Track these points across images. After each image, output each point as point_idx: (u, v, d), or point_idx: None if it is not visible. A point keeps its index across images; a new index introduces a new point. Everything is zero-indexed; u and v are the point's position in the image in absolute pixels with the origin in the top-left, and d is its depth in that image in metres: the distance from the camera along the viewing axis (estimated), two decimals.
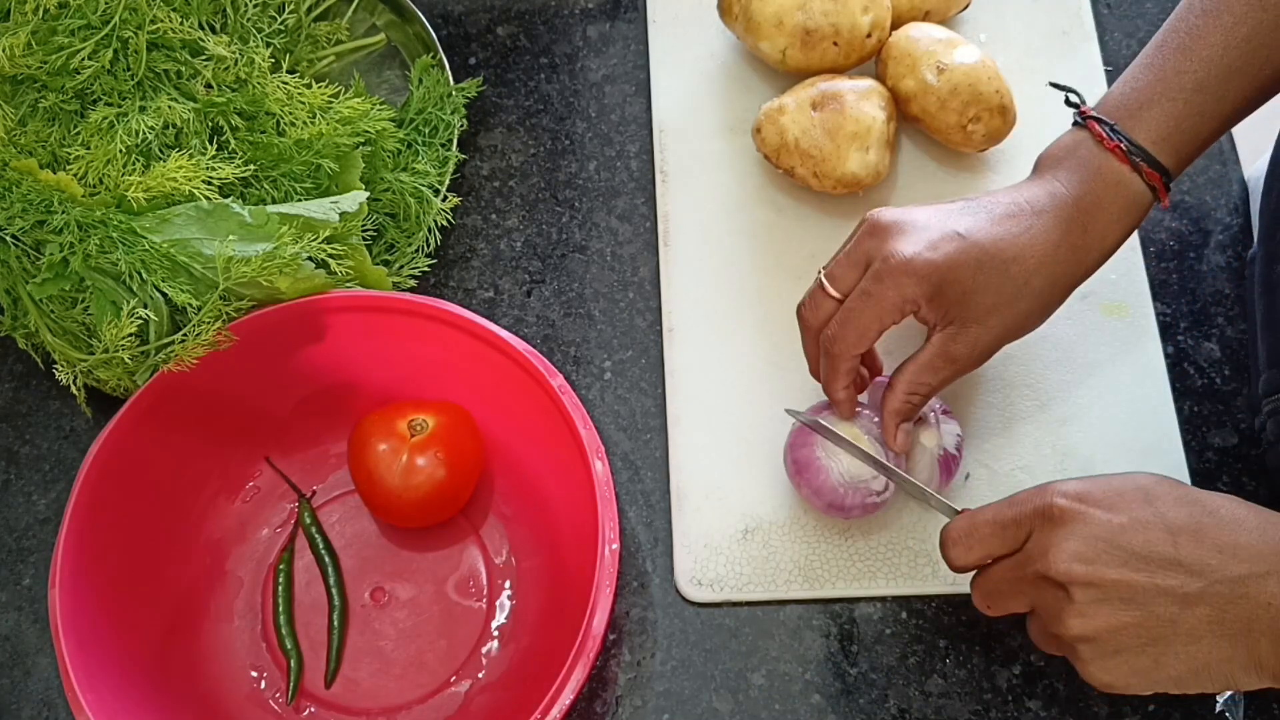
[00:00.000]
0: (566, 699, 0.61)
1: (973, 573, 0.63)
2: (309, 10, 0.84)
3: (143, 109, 0.71)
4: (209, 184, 0.69)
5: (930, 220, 0.65)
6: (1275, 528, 0.56)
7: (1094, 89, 0.87)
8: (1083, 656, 0.58)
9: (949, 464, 0.73)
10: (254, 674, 0.72)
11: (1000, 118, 0.80)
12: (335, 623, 0.73)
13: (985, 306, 0.65)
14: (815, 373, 0.71)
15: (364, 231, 0.76)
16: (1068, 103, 0.69)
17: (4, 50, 0.68)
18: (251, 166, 0.73)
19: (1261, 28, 0.63)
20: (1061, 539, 0.57)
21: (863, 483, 0.70)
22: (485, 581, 0.74)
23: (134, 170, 0.70)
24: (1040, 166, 0.68)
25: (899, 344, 0.76)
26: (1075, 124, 0.68)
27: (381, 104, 0.79)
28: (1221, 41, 0.64)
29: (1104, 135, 0.65)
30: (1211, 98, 0.64)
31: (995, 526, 0.60)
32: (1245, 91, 0.65)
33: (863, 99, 0.79)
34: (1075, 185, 0.65)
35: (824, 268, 0.68)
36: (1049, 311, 0.68)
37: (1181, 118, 0.65)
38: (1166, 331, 0.81)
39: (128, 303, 0.67)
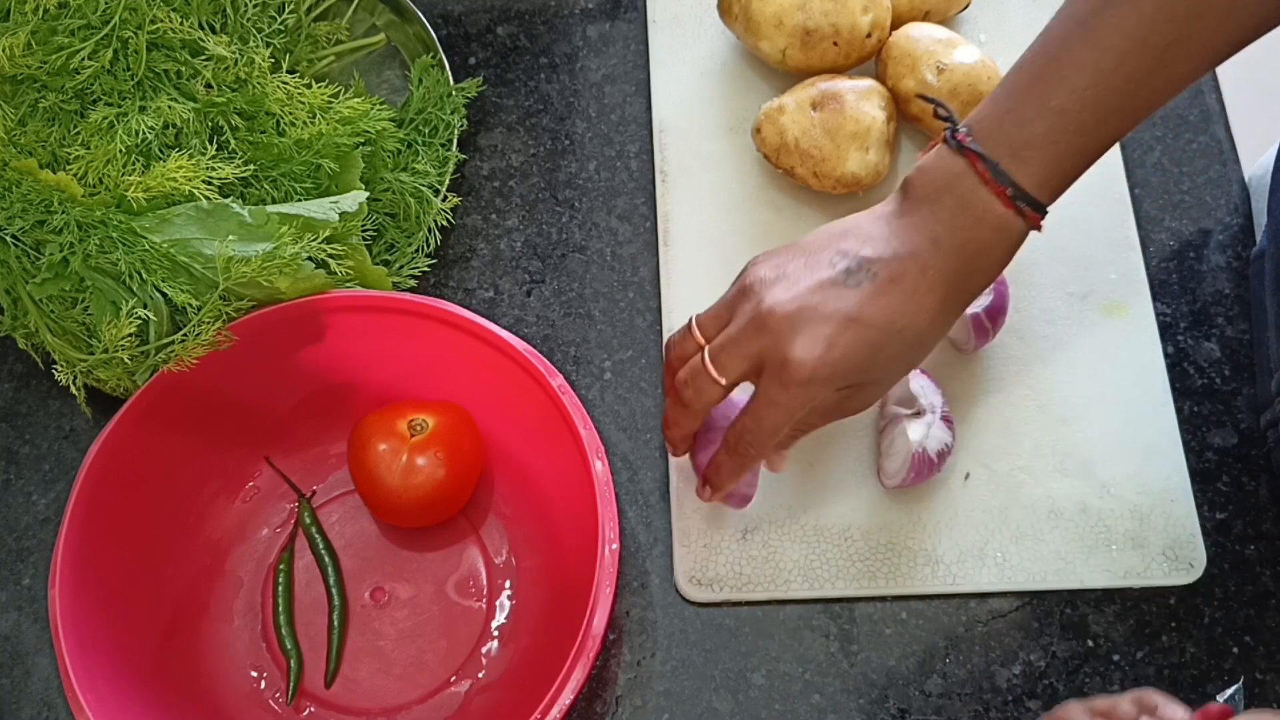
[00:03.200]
0: (566, 699, 0.61)
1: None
2: (309, 10, 0.84)
3: (143, 109, 0.71)
4: (209, 184, 0.69)
5: (819, 304, 0.63)
6: None
7: None
8: None
9: (923, 466, 0.72)
10: (254, 674, 0.72)
11: None
12: (335, 623, 0.73)
13: (881, 371, 0.65)
14: (677, 444, 0.71)
15: (364, 231, 0.76)
16: (937, 116, 0.66)
17: (4, 50, 0.68)
18: (251, 166, 0.73)
19: (1139, 69, 0.60)
20: None
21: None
22: (485, 581, 0.74)
23: (134, 170, 0.70)
24: (916, 196, 0.64)
25: None
26: (949, 144, 0.63)
27: (381, 104, 0.79)
28: (1103, 78, 0.60)
29: (988, 177, 0.61)
30: (1091, 139, 0.62)
31: None
32: (1120, 130, 0.62)
33: (863, 99, 0.79)
34: (958, 231, 0.62)
35: (700, 328, 0.67)
36: (933, 348, 0.67)
37: (1063, 159, 0.62)
38: (1166, 331, 0.81)
39: (127, 303, 0.67)
